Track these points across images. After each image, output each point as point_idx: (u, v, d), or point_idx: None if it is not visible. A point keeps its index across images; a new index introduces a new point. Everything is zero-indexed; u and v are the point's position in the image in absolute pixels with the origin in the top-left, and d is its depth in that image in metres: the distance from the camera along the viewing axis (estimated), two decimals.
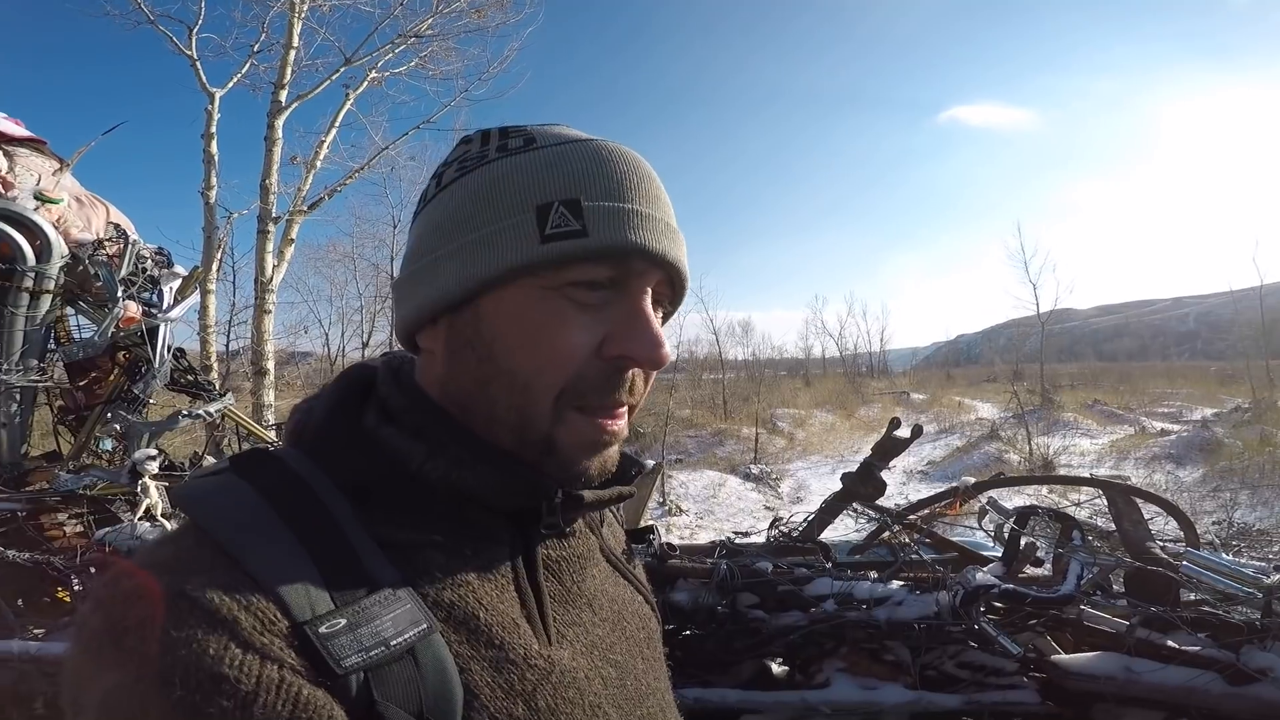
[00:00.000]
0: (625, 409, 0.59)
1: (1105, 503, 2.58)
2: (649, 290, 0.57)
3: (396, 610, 0.48)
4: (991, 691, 1.94)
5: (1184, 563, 1.94)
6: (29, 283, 4.03)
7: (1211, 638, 1.76)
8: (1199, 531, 2.76)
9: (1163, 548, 2.20)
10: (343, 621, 0.45)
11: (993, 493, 2.87)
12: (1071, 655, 1.90)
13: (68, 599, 2.98)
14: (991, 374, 37.40)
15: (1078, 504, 3.71)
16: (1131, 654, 1.79)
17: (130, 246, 4.37)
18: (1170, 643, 1.78)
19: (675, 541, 2.56)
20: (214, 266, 9.46)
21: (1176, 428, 17.24)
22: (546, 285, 0.54)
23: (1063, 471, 13.91)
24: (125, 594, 0.45)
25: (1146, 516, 2.55)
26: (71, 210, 4.41)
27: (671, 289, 0.61)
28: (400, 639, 0.47)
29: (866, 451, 2.82)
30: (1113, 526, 2.49)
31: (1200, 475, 12.30)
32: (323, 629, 0.45)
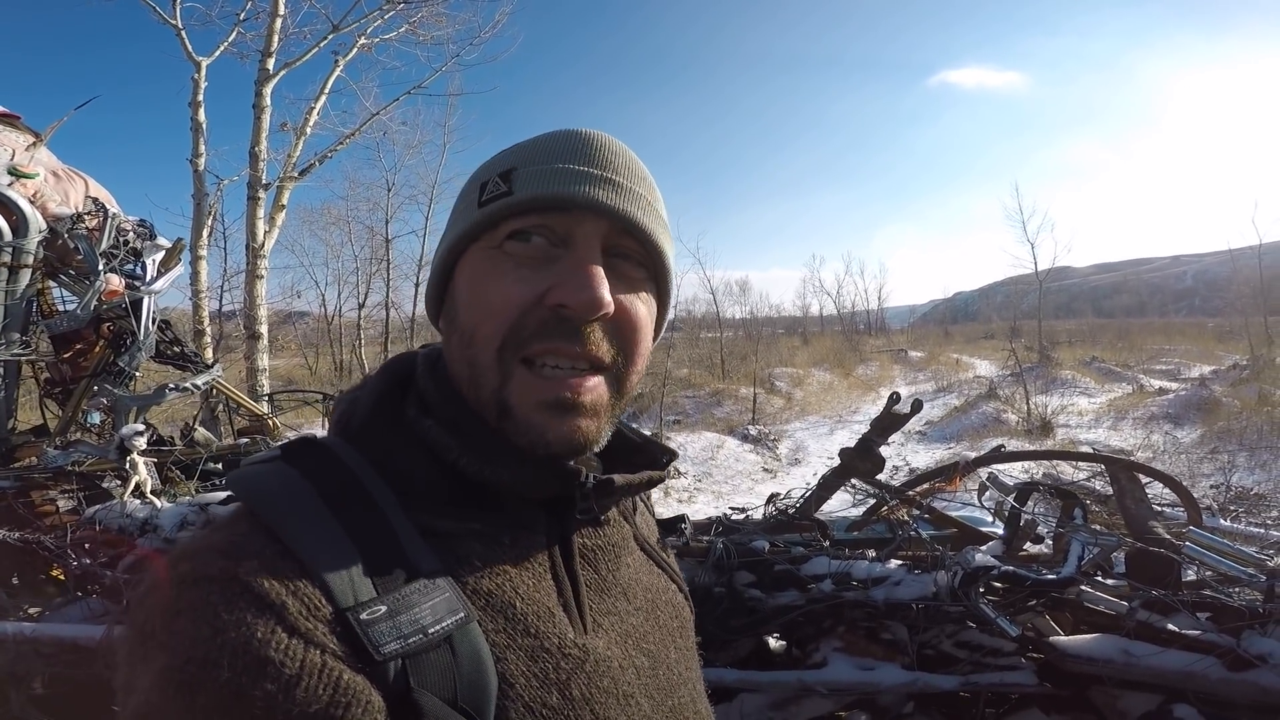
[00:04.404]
0: (590, 373, 0.57)
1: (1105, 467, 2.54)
2: (596, 245, 0.57)
3: (435, 599, 0.49)
4: (989, 672, 1.93)
5: (1186, 543, 1.91)
6: (6, 258, 3.99)
7: (1212, 621, 1.74)
8: (1196, 496, 2.73)
9: (1165, 526, 2.17)
10: (383, 609, 0.47)
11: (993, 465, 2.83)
12: (1070, 637, 1.88)
13: (62, 577, 2.97)
14: (989, 331, 37.44)
15: (1075, 467, 3.68)
16: (1131, 637, 1.77)
17: (110, 219, 4.34)
18: (1170, 626, 1.76)
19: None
20: (205, 233, 9.38)
21: (1175, 385, 17.14)
22: (488, 246, 0.58)
23: (1061, 432, 13.88)
24: (180, 577, 0.46)
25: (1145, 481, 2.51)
26: (48, 185, 4.35)
27: (642, 247, 0.60)
28: (438, 627, 0.48)
29: (864, 412, 2.79)
30: (1112, 490, 2.46)
31: (1198, 435, 12.10)
32: (364, 615, 0.46)
